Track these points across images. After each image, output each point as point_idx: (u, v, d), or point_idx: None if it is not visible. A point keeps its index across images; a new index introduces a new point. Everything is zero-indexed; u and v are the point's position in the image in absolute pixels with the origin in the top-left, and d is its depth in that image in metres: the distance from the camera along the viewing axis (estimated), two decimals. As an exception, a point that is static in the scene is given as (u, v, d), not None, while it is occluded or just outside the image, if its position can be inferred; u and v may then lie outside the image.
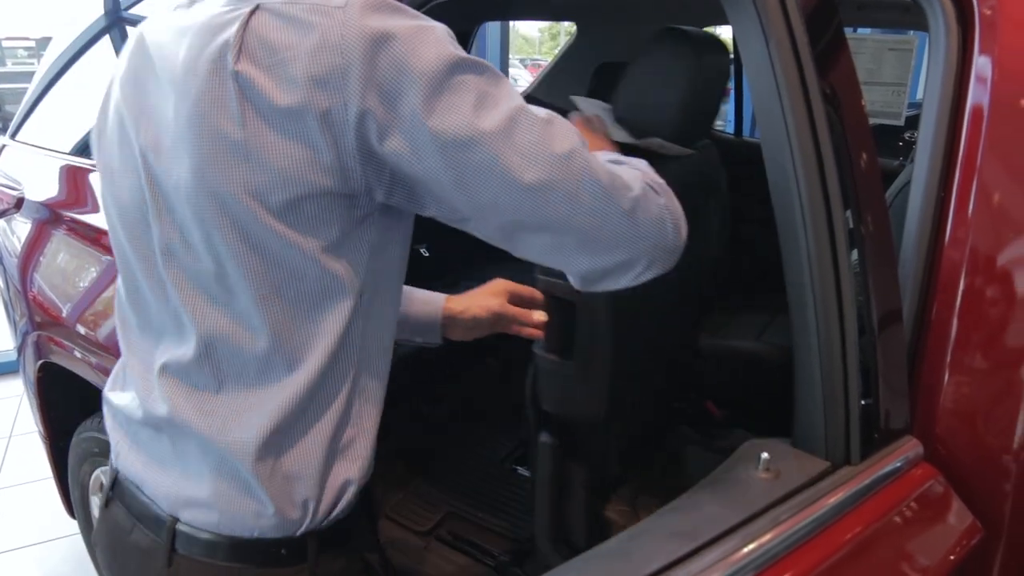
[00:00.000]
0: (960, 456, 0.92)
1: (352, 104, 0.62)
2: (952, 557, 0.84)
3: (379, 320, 0.77)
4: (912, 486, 0.87)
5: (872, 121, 0.96)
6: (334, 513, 0.77)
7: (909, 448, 0.89)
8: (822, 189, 0.80)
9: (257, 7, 0.65)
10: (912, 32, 1.90)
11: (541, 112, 0.68)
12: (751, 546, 0.72)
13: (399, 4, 0.65)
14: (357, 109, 0.62)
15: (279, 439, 0.72)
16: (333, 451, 0.75)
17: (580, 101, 1.33)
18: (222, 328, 0.71)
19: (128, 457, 0.82)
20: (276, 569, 0.75)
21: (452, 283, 2.54)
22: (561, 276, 1.19)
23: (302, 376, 0.71)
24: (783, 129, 0.80)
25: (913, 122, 1.30)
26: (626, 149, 1.10)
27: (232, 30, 0.64)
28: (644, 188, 0.71)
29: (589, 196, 0.67)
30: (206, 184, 0.66)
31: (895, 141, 2.52)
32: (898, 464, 0.87)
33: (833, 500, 0.79)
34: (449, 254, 2.48)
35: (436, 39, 0.64)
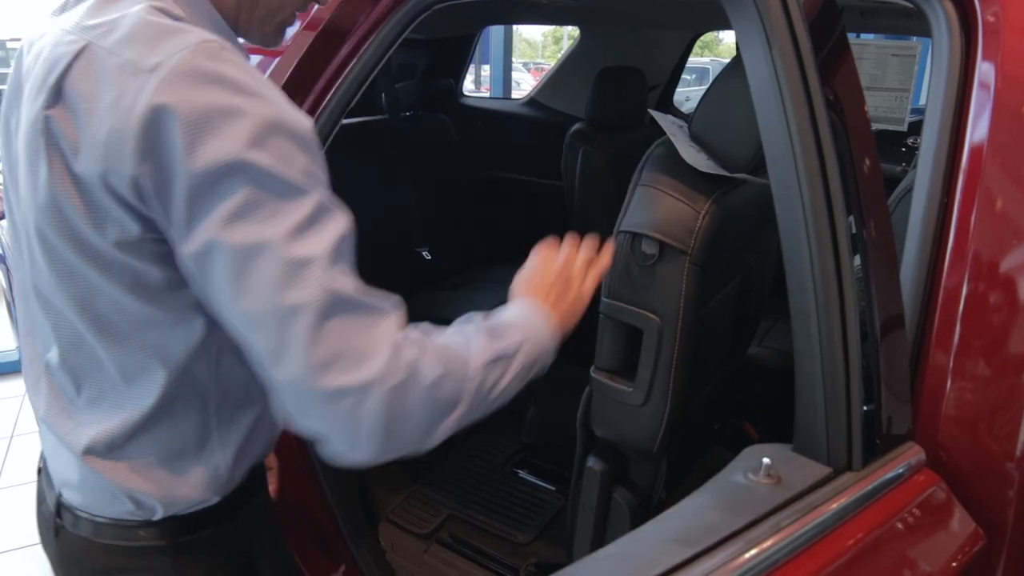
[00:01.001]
0: (962, 463, 0.91)
1: (126, 170, 0.60)
2: (954, 564, 0.84)
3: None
4: (914, 492, 0.86)
5: (875, 126, 0.96)
6: (192, 510, 0.81)
7: (911, 454, 0.88)
8: (825, 194, 0.80)
9: (87, 45, 0.64)
10: (915, 38, 1.89)
11: (304, 252, 0.61)
12: (752, 552, 0.72)
13: (224, 77, 0.60)
14: (131, 175, 0.60)
15: (125, 447, 0.76)
16: (183, 464, 0.78)
17: (659, 117, 1.19)
18: (71, 339, 0.73)
19: (40, 435, 0.88)
20: (136, 544, 0.82)
21: (452, 286, 2.54)
22: (626, 300, 1.18)
23: (142, 392, 0.74)
24: (786, 134, 0.80)
25: (916, 127, 1.30)
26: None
27: (58, 70, 0.64)
28: (384, 374, 0.63)
29: (293, 358, 0.62)
30: (31, 212, 0.68)
31: (898, 147, 2.52)
32: (900, 470, 0.86)
33: (835, 506, 0.79)
34: (451, 256, 2.49)
35: (232, 132, 0.59)
